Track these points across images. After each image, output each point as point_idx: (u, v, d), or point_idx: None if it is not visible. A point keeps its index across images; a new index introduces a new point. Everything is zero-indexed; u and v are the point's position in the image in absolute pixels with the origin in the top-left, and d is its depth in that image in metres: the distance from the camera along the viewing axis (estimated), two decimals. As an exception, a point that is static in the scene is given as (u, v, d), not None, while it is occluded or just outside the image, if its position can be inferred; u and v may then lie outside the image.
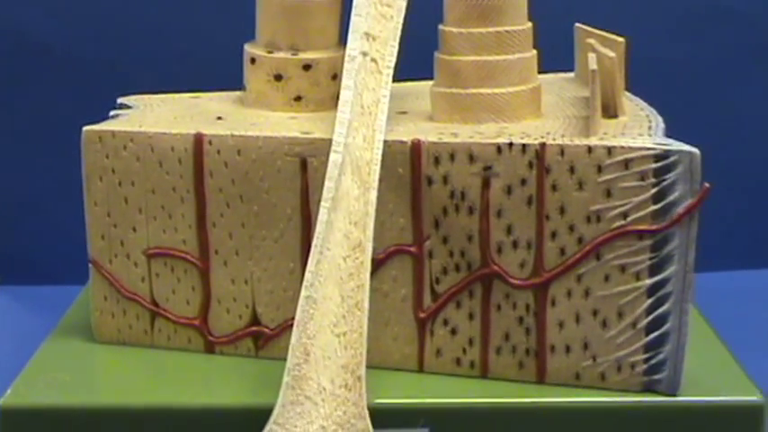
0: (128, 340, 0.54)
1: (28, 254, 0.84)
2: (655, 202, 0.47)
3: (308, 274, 0.47)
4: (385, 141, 0.49)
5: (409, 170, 0.49)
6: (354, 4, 0.52)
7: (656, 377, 0.49)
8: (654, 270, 0.48)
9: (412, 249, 0.50)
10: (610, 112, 0.51)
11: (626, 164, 0.47)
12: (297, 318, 0.47)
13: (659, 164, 0.47)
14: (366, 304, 0.47)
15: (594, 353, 0.49)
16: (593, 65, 0.49)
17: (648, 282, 0.48)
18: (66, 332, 0.55)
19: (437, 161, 0.49)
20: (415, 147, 0.49)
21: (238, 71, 0.56)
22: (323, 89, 0.54)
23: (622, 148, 0.47)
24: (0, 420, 0.49)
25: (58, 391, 0.50)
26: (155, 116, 0.54)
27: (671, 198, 0.47)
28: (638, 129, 0.49)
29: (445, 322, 0.50)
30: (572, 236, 0.48)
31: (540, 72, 0.53)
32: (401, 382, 0.50)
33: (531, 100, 0.52)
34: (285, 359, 0.47)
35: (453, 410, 0.48)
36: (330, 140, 0.49)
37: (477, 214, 0.49)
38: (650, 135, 0.48)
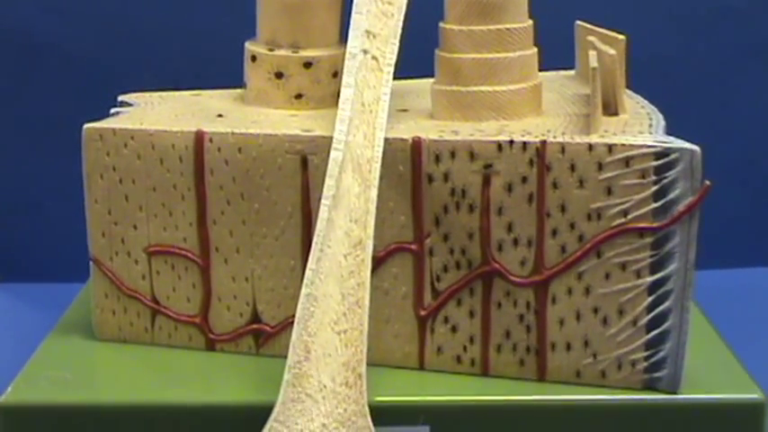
0: (128, 338, 0.54)
1: (29, 251, 0.84)
2: (655, 200, 0.47)
3: (308, 272, 0.47)
4: (386, 139, 0.49)
5: (410, 168, 0.49)
6: (355, 1, 0.52)
7: (657, 375, 0.49)
8: (654, 268, 0.48)
9: (412, 247, 0.50)
10: (610, 109, 0.51)
11: (627, 161, 0.47)
12: (297, 315, 0.47)
13: (660, 161, 0.47)
14: (366, 302, 0.47)
15: (595, 350, 0.49)
16: (593, 62, 0.49)
17: (649, 279, 0.48)
18: (66, 330, 0.55)
19: (438, 159, 0.49)
20: (416, 144, 0.49)
21: (239, 69, 0.56)
22: (324, 87, 0.54)
23: (623, 145, 0.47)
24: (1, 418, 0.49)
25: (58, 388, 0.50)
26: (155, 114, 0.54)
27: (671, 196, 0.47)
28: (639, 126, 0.49)
29: (446, 320, 0.50)
30: (573, 233, 0.48)
31: (540, 70, 0.53)
32: (402, 380, 0.50)
33: (531, 98, 0.52)
34: (286, 357, 0.47)
35: (454, 408, 0.48)
36: (331, 138, 0.49)
37: (478, 212, 0.49)
38: (651, 133, 0.48)
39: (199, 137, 0.51)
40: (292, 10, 0.54)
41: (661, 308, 0.48)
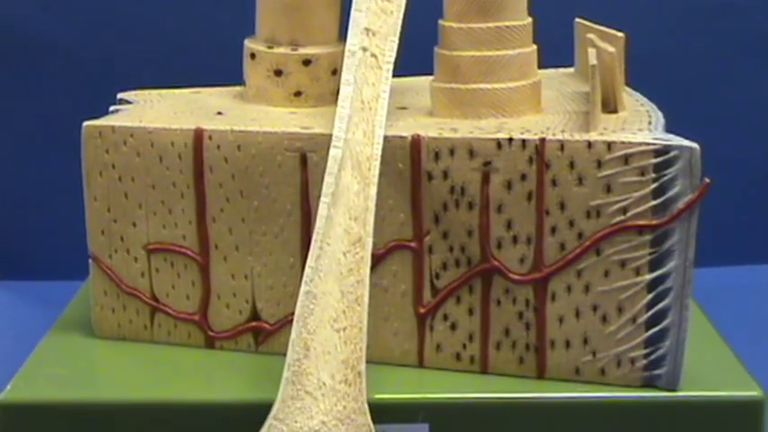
0: (128, 335, 0.54)
1: (28, 249, 0.84)
2: (655, 198, 0.47)
3: (307, 270, 0.47)
4: (385, 137, 0.49)
5: (409, 165, 0.49)
6: (354, -1, 0.52)
7: (656, 372, 0.49)
8: (654, 265, 0.48)
9: (412, 244, 0.50)
10: (610, 107, 0.51)
11: (626, 159, 0.47)
12: (297, 313, 0.47)
13: (659, 159, 0.47)
14: (366, 299, 0.47)
15: (594, 348, 0.49)
16: (592, 60, 0.49)
17: (648, 277, 0.48)
18: (66, 327, 0.55)
19: (437, 156, 0.49)
20: (415, 142, 0.49)
21: (238, 66, 0.56)
22: (323, 84, 0.54)
23: (622, 143, 0.47)
24: (0, 415, 0.49)
25: (58, 386, 0.50)
26: (155, 111, 0.54)
27: (671, 193, 0.47)
28: (638, 124, 0.49)
29: (445, 317, 0.50)
30: (572, 231, 0.48)
31: (539, 67, 0.53)
32: (401, 378, 0.50)
33: (530, 95, 0.52)
34: (285, 354, 0.47)
35: (453, 406, 0.48)
36: (330, 136, 0.49)
37: (477, 209, 0.49)
38: (650, 130, 0.48)
39: (198, 134, 0.51)
40: (291, 7, 0.54)
41: (660, 305, 0.48)
